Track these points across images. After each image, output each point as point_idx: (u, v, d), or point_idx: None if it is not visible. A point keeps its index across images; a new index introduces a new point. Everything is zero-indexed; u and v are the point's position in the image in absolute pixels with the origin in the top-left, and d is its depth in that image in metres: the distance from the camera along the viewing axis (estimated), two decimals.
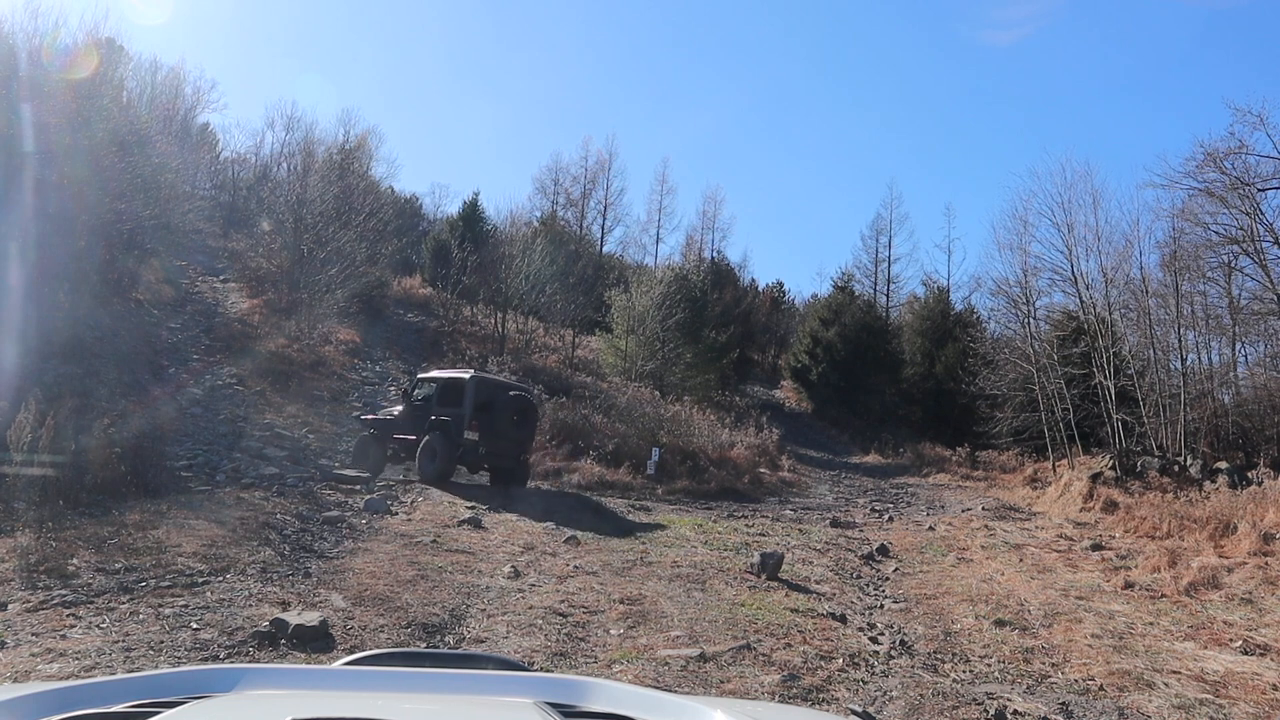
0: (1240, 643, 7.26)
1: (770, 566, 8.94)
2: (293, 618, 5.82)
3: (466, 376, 13.12)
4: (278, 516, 9.71)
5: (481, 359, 23.69)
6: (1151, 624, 7.96)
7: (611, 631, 6.61)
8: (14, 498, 8.27)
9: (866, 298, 37.05)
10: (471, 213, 36.23)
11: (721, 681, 5.53)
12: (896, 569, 10.73)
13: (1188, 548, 11.40)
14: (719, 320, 32.57)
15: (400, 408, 13.91)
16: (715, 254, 42.93)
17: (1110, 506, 15.94)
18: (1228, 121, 25.00)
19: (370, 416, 14.42)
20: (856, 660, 6.28)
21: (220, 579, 7.05)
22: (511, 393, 13.40)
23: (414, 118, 79.52)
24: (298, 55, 73.69)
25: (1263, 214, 18.22)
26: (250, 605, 6.42)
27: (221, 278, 25.76)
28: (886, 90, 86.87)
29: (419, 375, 14.40)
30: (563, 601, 7.36)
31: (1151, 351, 21.90)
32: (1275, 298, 18.28)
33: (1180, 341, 21.57)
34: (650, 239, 42.68)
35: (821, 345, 32.99)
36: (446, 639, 6.24)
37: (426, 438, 12.94)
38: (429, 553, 8.89)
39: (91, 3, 53.35)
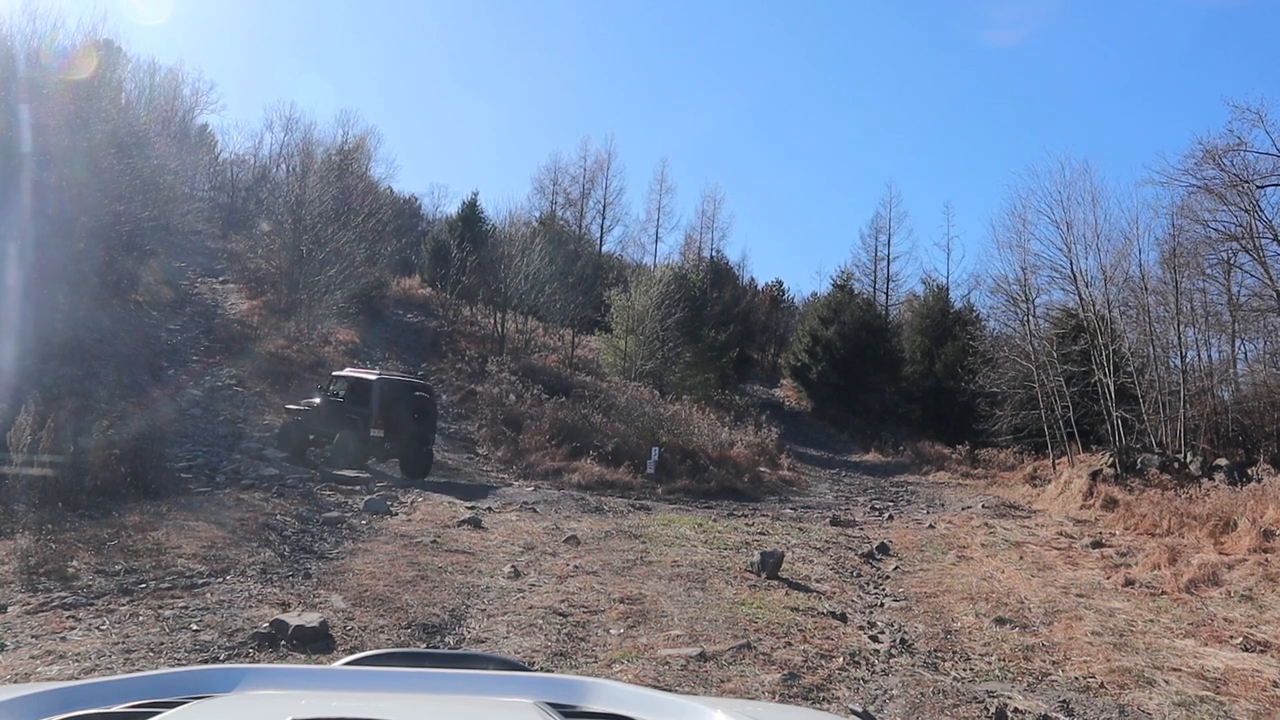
0: (1240, 640, 7.27)
1: (770, 565, 8.94)
2: (293, 619, 5.82)
3: (372, 379, 14.01)
4: (277, 517, 9.72)
5: (481, 359, 23.69)
6: (1152, 621, 7.96)
7: (611, 631, 6.61)
8: (14, 500, 8.26)
9: (866, 296, 37.00)
10: (470, 213, 36.20)
11: (722, 681, 5.53)
12: (897, 567, 10.73)
13: (1188, 545, 11.40)
14: (718, 319, 32.55)
15: (318, 399, 14.83)
16: (714, 253, 42.91)
17: (1110, 504, 15.95)
18: (1227, 119, 24.88)
19: (294, 406, 15.31)
20: (857, 659, 6.28)
21: (220, 580, 7.05)
22: (415, 392, 14.52)
23: (413, 118, 79.45)
24: (296, 56, 73.66)
25: (1261, 211, 18.25)
26: (250, 606, 6.42)
27: (221, 279, 25.75)
28: (886, 90, 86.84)
29: (334, 374, 15.30)
30: (563, 601, 7.36)
31: (1151, 349, 21.89)
32: (1274, 294, 18.29)
33: (1180, 339, 21.59)
34: (649, 238, 42.62)
35: (821, 344, 32.98)
36: (446, 639, 6.24)
37: (340, 433, 13.91)
38: (429, 553, 8.89)
39: (90, 4, 53.08)
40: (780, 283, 45.78)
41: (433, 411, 14.83)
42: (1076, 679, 6.22)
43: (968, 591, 9.05)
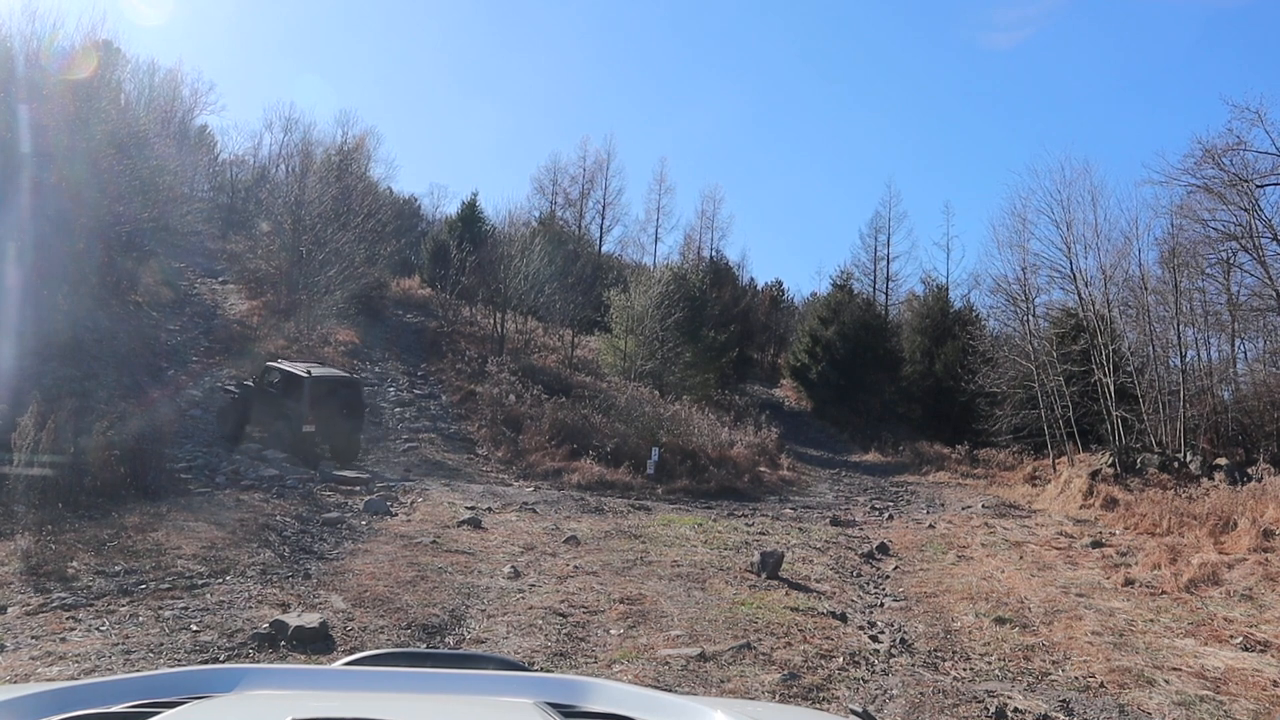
0: (1240, 639, 7.27)
1: (770, 565, 8.94)
2: (292, 619, 5.83)
3: (304, 376, 14.58)
4: (277, 518, 9.72)
5: (480, 359, 23.68)
6: (1152, 621, 7.96)
7: (611, 631, 6.62)
8: (14, 500, 8.26)
9: (865, 296, 36.95)
10: (470, 213, 36.19)
11: (722, 681, 5.53)
12: (897, 567, 10.74)
13: (1188, 544, 11.40)
14: (718, 319, 32.53)
15: (251, 382, 15.63)
16: (714, 253, 42.90)
17: (1110, 503, 15.94)
18: (1226, 119, 24.93)
19: (229, 386, 16.15)
20: (857, 659, 6.28)
21: (220, 581, 7.05)
22: (342, 389, 15.33)
23: (412, 118, 79.42)
24: (296, 56, 73.60)
25: (1261, 210, 18.25)
26: (250, 607, 6.42)
27: (220, 279, 25.75)
28: (886, 90, 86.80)
29: (268, 364, 15.97)
30: (563, 601, 7.36)
31: (1151, 348, 21.90)
32: (1274, 294, 18.30)
33: (1179, 338, 21.58)
34: (649, 238, 42.62)
35: (821, 344, 32.96)
36: (446, 639, 6.24)
37: (275, 427, 14.68)
38: (429, 553, 8.89)
39: (89, 5, 53.01)
40: (780, 283, 45.78)
41: (359, 404, 15.75)
42: (1076, 678, 6.22)
43: (968, 591, 9.05)
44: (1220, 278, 21.38)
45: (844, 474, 23.66)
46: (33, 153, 15.69)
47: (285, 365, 15.36)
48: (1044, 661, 6.61)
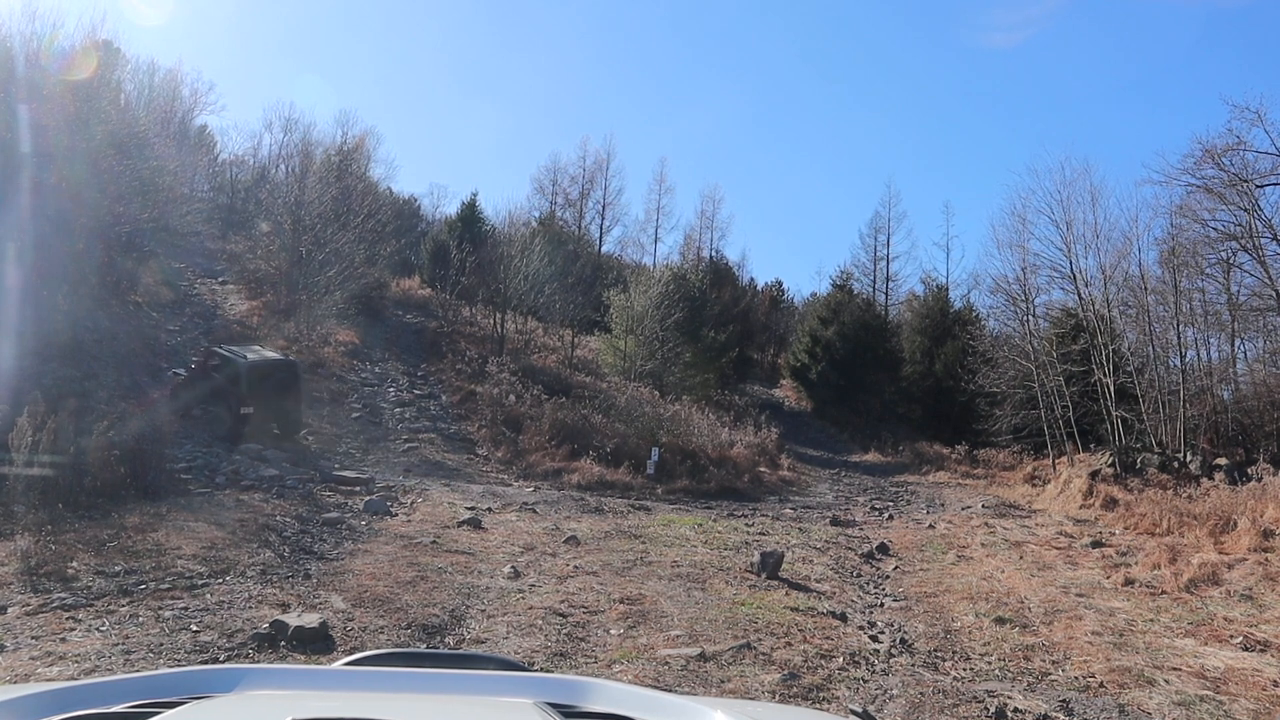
0: (1240, 639, 7.27)
1: (770, 565, 8.95)
2: (292, 619, 5.83)
3: (241, 361, 15.23)
4: (277, 518, 9.72)
5: (480, 359, 23.67)
6: (1152, 621, 7.96)
7: (611, 631, 6.62)
8: (14, 500, 8.26)
9: (865, 296, 36.96)
10: (470, 213, 36.18)
11: (722, 681, 5.53)
12: (897, 567, 10.74)
13: (1188, 544, 11.40)
14: (718, 319, 32.53)
15: (195, 365, 16.18)
16: (714, 253, 42.91)
17: (1110, 503, 15.95)
18: (1226, 119, 24.96)
19: (179, 370, 16.80)
20: (857, 659, 6.28)
21: (220, 581, 7.05)
22: (279, 371, 15.97)
23: (412, 118, 79.43)
24: (296, 56, 73.62)
25: (1261, 210, 18.25)
26: (250, 607, 6.42)
27: (220, 280, 25.75)
28: (886, 90, 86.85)
29: (212, 348, 16.60)
30: (563, 601, 7.36)
31: (1150, 348, 21.89)
32: (1274, 294, 18.30)
33: (1179, 338, 21.56)
34: (649, 238, 42.64)
35: (820, 344, 32.96)
36: (446, 640, 6.24)
37: (215, 408, 15.22)
38: (429, 554, 8.89)
39: (89, 4, 53.05)
40: (780, 283, 45.77)
41: (296, 384, 16.35)
42: (1076, 678, 6.22)
43: (968, 591, 9.06)
44: (1220, 278, 21.36)
45: (844, 474, 23.66)
46: (33, 153, 15.70)
47: (225, 350, 15.90)
48: (1044, 661, 6.62)
